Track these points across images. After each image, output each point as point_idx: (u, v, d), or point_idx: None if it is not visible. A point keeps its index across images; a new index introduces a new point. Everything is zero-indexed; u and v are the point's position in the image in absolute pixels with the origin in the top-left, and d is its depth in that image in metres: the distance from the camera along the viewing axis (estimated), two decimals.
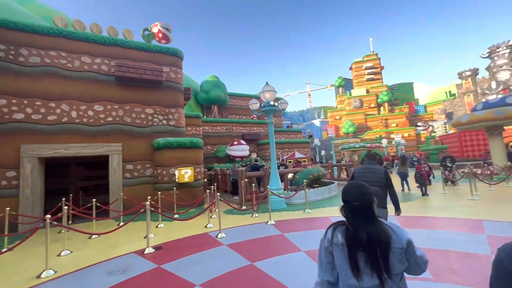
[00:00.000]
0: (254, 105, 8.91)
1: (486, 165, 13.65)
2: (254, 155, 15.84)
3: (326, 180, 12.07)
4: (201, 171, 10.18)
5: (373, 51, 55.28)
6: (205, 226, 6.37)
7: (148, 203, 5.03)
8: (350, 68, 56.44)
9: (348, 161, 18.83)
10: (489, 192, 8.75)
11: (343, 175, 16.36)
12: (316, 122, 57.68)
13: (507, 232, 4.43)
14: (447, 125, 42.75)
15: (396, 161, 20.19)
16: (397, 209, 3.46)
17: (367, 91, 52.00)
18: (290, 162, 17.39)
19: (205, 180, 13.46)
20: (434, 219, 5.75)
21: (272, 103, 8.39)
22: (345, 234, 1.35)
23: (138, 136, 9.49)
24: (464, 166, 13.96)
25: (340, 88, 60.96)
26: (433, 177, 12.54)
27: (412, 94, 63.80)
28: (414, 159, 24.96)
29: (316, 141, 29.73)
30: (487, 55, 42.86)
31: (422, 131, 43.97)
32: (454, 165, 10.92)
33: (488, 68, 43.00)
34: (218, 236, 5.38)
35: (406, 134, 40.67)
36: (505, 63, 40.81)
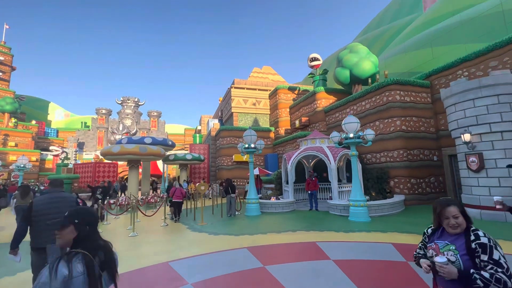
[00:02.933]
0: None
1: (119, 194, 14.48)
2: None
3: None
4: None
5: (4, 42, 41.33)
6: None
7: None
8: None
9: None
10: (140, 224, 8.81)
11: None
12: None
13: (204, 271, 4.13)
14: (77, 154, 42.13)
15: (15, 192, 14.51)
16: None
17: None
18: None
19: None
20: None
21: None
22: (85, 261, 1.30)
23: None
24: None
25: None
26: None
27: (46, 113, 56.02)
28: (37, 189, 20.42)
29: None
30: (121, 102, 51.68)
31: (48, 157, 38.85)
32: (107, 197, 9.97)
33: (119, 113, 51.38)
34: None
35: (33, 158, 33.18)
36: (130, 113, 51.80)
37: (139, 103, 52.94)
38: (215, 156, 23.61)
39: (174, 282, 3.83)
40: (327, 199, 11.16)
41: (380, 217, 8.52)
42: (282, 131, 21.65)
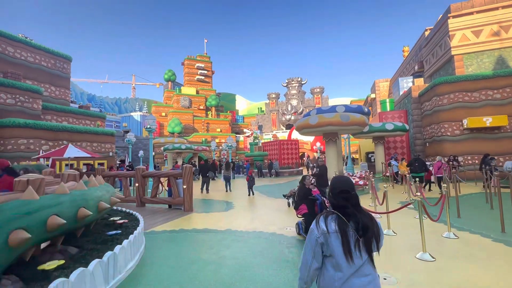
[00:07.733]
0: None
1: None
2: None
3: (118, 221, 4.89)
4: None
5: (206, 53, 53.96)
6: None
7: None
8: (182, 64, 51.64)
9: (175, 166, 12.49)
10: (383, 222, 5.63)
11: (164, 189, 9.74)
12: (136, 116, 46.90)
13: None
14: (259, 135, 47.90)
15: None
16: None
17: (197, 92, 49.30)
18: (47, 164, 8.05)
19: None
20: None
21: None
22: (338, 222, 1.46)
23: None
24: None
25: (170, 82, 54.38)
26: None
27: (234, 104, 69.85)
28: (242, 164, 24.00)
29: (130, 136, 20.99)
30: (286, 84, 53.98)
31: (240, 139, 47.09)
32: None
33: (285, 95, 53.94)
34: None
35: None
36: (295, 94, 52.93)
37: (302, 82, 53.01)
38: (420, 124, 17.24)
39: None
40: None
41: None
42: None
